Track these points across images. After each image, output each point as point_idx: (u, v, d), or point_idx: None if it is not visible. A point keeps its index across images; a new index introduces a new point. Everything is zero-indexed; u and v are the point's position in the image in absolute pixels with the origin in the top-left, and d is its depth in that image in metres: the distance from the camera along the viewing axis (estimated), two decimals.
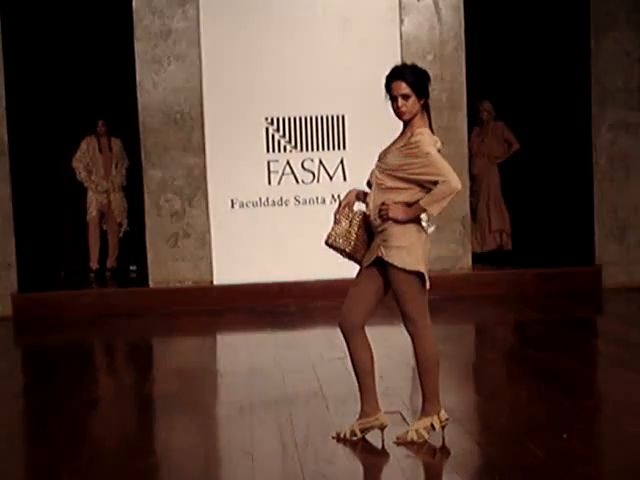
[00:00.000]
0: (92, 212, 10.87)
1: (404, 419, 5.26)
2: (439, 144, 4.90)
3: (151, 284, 9.78)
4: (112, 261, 11.09)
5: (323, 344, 7.61)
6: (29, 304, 9.59)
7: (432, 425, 4.82)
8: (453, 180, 4.77)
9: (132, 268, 11.08)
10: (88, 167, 10.76)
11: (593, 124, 10.04)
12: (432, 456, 4.71)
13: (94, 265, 11.00)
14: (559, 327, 8.07)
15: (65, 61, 11.13)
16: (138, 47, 9.61)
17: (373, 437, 4.96)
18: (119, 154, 10.89)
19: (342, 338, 5.00)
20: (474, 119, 10.83)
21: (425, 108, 5.02)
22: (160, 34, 9.62)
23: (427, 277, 4.87)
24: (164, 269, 9.71)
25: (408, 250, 4.77)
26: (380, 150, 10.04)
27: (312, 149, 9.73)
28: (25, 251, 9.93)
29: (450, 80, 9.81)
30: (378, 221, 4.85)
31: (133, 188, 10.54)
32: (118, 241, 11.07)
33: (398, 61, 9.72)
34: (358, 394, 5.04)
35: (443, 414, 4.85)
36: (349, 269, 9.73)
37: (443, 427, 4.86)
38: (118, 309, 9.41)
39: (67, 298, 9.70)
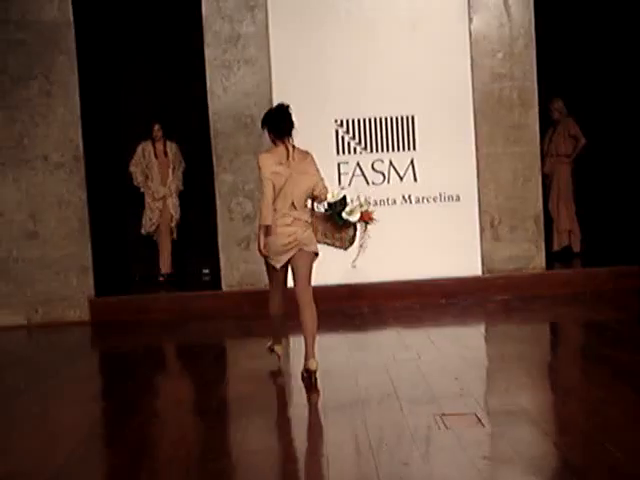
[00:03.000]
0: (153, 220, 10.82)
1: (479, 420, 5.20)
2: (269, 165, 6.41)
3: (224, 287, 9.84)
4: (167, 267, 10.92)
5: (395, 345, 7.59)
6: (106, 308, 9.74)
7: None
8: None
9: (205, 272, 11.15)
10: (145, 172, 10.75)
11: None
12: (509, 457, 4.64)
13: (165, 269, 10.92)
14: (636, 326, 7.90)
15: (137, 68, 11.28)
16: (208, 52, 9.69)
17: (446, 437, 4.92)
18: (175, 159, 10.80)
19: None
20: (548, 118, 10.69)
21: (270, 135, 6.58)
22: (230, 39, 9.69)
23: (269, 262, 6.56)
24: (237, 272, 9.76)
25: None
26: (449, 149, 10.02)
27: (382, 150, 9.70)
28: (101, 255, 10.08)
29: (521, 78, 9.69)
30: None
31: (204, 192, 10.61)
32: (171, 245, 10.95)
33: (468, 60, 9.76)
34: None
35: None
36: (419, 270, 9.73)
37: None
38: (192, 312, 9.49)
39: (142, 301, 9.82)
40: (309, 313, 6.59)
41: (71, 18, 9.71)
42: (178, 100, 10.99)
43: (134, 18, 11.04)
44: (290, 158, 6.45)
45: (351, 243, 6.68)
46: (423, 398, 5.71)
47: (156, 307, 9.67)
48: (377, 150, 9.71)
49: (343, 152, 9.71)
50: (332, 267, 9.60)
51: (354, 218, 6.50)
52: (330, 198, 6.57)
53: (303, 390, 6.39)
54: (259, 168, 6.43)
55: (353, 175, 9.72)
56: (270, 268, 6.61)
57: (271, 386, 6.67)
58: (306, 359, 6.44)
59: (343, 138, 9.71)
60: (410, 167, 9.71)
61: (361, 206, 6.52)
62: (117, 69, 11.15)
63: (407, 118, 9.69)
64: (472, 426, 5.07)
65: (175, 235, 10.94)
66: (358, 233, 6.60)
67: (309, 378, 6.36)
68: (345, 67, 9.68)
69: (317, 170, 6.64)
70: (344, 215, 6.51)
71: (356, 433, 5.19)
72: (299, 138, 9.51)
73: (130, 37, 11.17)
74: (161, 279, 10.84)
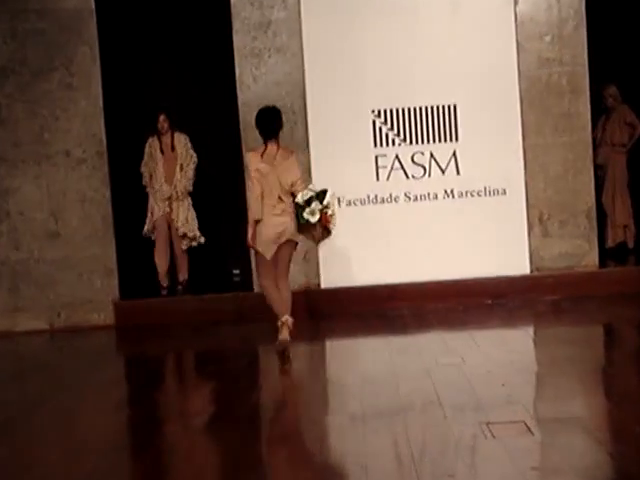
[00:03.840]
0: (153, 218, 10.14)
1: (528, 429, 5.17)
2: (254, 162, 7.61)
3: (256, 288, 9.85)
4: (183, 273, 10.35)
5: (438, 349, 7.58)
6: (131, 311, 9.80)
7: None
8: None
9: (236, 272, 11.16)
10: (151, 171, 10.13)
11: None
12: (560, 468, 4.61)
13: (164, 281, 10.27)
14: None
15: (162, 57, 11.30)
16: (237, 40, 9.72)
17: (493, 446, 4.90)
18: (184, 153, 10.16)
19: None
20: (600, 105, 10.59)
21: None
22: (259, 26, 9.71)
23: (259, 251, 7.62)
24: None
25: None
26: (494, 140, 9.93)
27: (422, 142, 9.67)
28: (126, 256, 10.14)
29: (571, 62, 9.63)
30: None
31: (233, 188, 10.62)
32: (185, 254, 10.33)
33: (513, 44, 9.68)
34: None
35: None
36: (463, 269, 9.70)
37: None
38: (222, 315, 9.51)
39: (170, 304, 9.87)
40: (286, 293, 7.70)
41: (93, 6, 9.80)
42: (206, 90, 11.01)
43: (158, 5, 11.08)
44: (274, 157, 7.56)
45: (319, 240, 7.71)
46: (468, 405, 5.70)
47: (184, 310, 9.72)
48: (417, 142, 9.68)
49: (381, 144, 9.70)
50: (370, 267, 9.63)
51: (313, 219, 7.42)
52: (298, 198, 7.49)
53: (341, 397, 6.40)
54: (246, 165, 7.72)
55: (392, 169, 9.70)
56: (261, 260, 7.66)
57: (307, 392, 6.68)
58: (280, 333, 7.54)
59: (381, 129, 9.70)
60: (452, 159, 9.68)
61: (326, 207, 7.44)
62: (141, 59, 11.17)
63: (449, 107, 9.66)
64: (521, 435, 5.05)
65: (198, 240, 10.27)
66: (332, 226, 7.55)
67: (282, 352, 7.45)
68: (382, 53, 9.67)
69: (297, 169, 7.70)
70: (305, 215, 7.43)
71: (397, 442, 5.19)
72: (334, 130, 9.63)
73: (154, 25, 11.19)
74: (179, 289, 10.33)
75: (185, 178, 10.15)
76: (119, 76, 10.48)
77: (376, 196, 9.72)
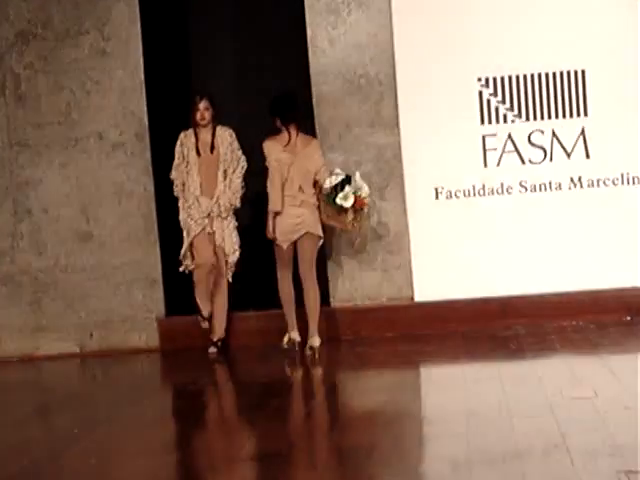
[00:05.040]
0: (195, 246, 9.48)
1: None
2: (274, 152, 9.02)
3: (333, 302, 9.88)
4: (220, 331, 9.60)
5: (563, 379, 7.54)
6: (179, 331, 9.87)
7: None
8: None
9: None
10: (183, 177, 9.48)
11: None
12: None
13: (217, 335, 9.61)
14: None
15: (216, 16, 11.36)
16: None
17: None
18: (229, 155, 9.43)
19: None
20: None
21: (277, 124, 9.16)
22: None
23: (276, 244, 9.09)
24: (349, 282, 9.79)
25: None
26: (632, 115, 9.82)
27: (542, 117, 9.63)
28: (173, 263, 10.16)
29: None
30: None
31: None
32: (227, 295, 9.59)
33: None
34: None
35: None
36: (595, 277, 9.62)
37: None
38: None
39: (227, 322, 9.91)
40: (312, 295, 9.06)
41: None
42: (270, 56, 11.03)
43: None
44: (294, 144, 8.99)
45: (354, 226, 9.06)
46: (602, 449, 5.64)
47: (244, 328, 9.77)
48: (535, 118, 9.66)
49: (489, 121, 9.68)
50: (476, 275, 9.59)
51: (347, 204, 8.80)
52: (327, 185, 8.88)
53: (441, 438, 6.39)
54: (265, 155, 8.97)
55: (503, 152, 9.68)
56: (278, 250, 9.05)
57: (397, 432, 6.67)
58: (309, 336, 8.96)
59: (489, 102, 9.67)
60: (580, 139, 9.63)
61: (355, 192, 8.85)
62: (191, 19, 11.26)
63: (576, 74, 9.60)
64: None
65: (230, 276, 9.57)
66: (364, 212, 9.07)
67: (312, 355, 8.92)
68: (491, 7, 9.63)
69: (320, 156, 9.13)
70: (338, 200, 8.81)
71: None
72: (431, 104, 9.62)
73: None
74: (212, 351, 9.53)
75: (231, 189, 9.39)
76: (164, 40, 10.55)
77: (483, 186, 9.70)
